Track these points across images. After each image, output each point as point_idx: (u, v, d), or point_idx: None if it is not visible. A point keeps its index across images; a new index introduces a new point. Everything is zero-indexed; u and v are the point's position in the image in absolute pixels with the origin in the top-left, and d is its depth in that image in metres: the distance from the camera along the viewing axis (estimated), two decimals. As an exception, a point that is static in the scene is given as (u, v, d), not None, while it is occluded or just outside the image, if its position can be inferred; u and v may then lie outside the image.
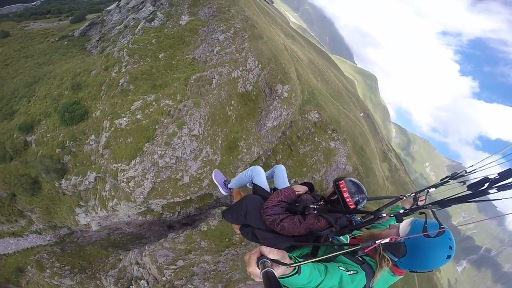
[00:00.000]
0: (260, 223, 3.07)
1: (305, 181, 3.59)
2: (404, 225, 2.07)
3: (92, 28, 32.37)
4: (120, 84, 19.10)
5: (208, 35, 20.90)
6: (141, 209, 20.29)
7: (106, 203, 20.11)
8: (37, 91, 23.54)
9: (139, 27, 23.57)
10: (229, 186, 4.35)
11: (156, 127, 16.74)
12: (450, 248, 1.96)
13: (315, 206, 2.83)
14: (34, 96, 22.87)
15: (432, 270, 2.12)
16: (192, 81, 18.49)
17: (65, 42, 31.73)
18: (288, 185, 3.48)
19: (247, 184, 3.92)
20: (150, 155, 16.01)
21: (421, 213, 2.04)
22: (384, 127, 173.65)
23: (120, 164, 17.91)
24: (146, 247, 18.15)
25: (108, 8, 32.75)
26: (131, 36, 23.86)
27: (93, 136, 19.47)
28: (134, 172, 16.87)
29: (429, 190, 2.41)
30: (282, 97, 20.44)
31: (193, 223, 24.16)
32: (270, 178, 3.71)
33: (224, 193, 4.48)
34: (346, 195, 2.79)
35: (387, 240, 1.98)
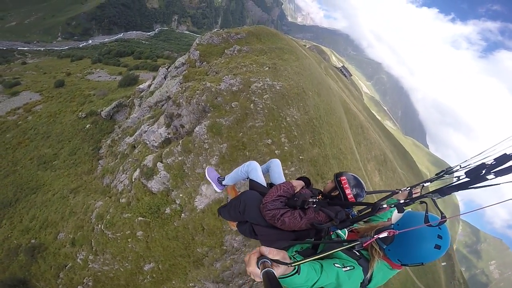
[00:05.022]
0: (259, 219, 2.80)
1: (302, 175, 3.36)
2: (396, 214, 1.96)
3: (120, 111, 25.44)
4: None
5: (237, 266, 9.71)
6: None
7: None
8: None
9: (135, 175, 14.21)
10: (224, 183, 3.84)
11: None
12: (440, 237, 1.80)
13: (314, 200, 2.67)
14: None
15: (423, 264, 1.94)
16: None
17: (87, 126, 25.49)
18: (284, 180, 3.20)
19: (242, 180, 3.55)
20: None
21: (421, 202, 1.89)
22: (451, 227, 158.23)
23: None
24: None
25: (140, 87, 25.23)
26: (127, 182, 14.69)
27: None
28: None
29: (424, 185, 2.36)
30: None
31: None
32: (265, 173, 3.39)
33: (218, 190, 3.95)
34: (348, 191, 2.68)
35: (385, 234, 1.85)
